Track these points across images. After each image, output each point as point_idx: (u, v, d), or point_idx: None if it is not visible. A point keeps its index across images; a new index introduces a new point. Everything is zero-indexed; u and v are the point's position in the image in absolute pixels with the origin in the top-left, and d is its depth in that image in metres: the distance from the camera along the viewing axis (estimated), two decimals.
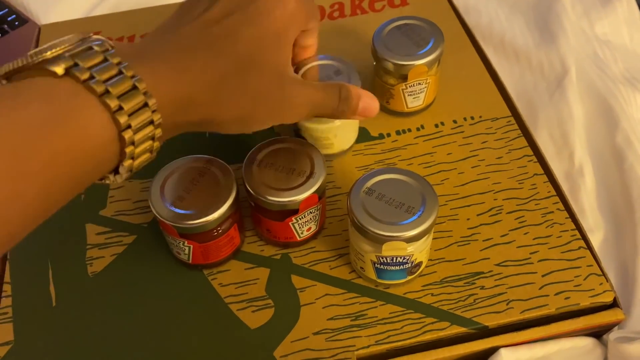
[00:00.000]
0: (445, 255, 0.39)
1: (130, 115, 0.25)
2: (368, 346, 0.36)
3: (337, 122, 0.41)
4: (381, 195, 0.35)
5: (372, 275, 0.37)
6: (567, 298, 0.37)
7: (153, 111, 0.26)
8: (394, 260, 0.35)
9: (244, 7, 0.31)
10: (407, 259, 0.36)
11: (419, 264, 0.37)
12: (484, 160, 0.44)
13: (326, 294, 0.38)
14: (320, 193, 0.37)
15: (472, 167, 0.44)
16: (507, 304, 0.37)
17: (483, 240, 0.40)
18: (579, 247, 0.39)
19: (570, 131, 0.50)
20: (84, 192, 0.44)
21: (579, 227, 0.40)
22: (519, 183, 0.43)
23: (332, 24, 0.56)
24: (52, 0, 0.65)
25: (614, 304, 0.37)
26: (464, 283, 0.38)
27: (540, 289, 0.38)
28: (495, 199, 0.42)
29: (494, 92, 0.49)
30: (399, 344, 0.36)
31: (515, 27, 0.60)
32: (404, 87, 0.44)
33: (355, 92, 0.36)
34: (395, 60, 0.43)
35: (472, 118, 0.47)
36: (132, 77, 0.25)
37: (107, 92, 0.24)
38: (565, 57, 0.55)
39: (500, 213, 0.41)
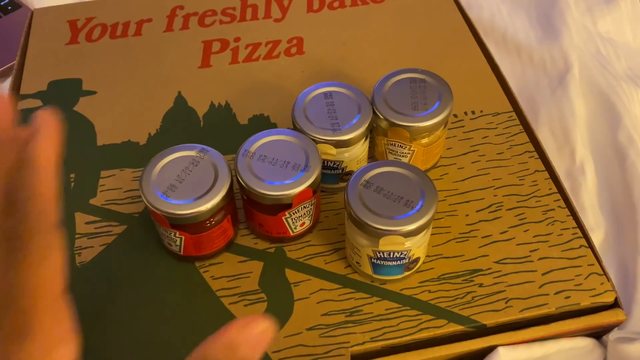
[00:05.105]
0: (443, 252, 0.38)
1: None
2: (363, 343, 0.35)
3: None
4: (379, 189, 0.34)
5: (369, 270, 0.36)
6: (567, 297, 0.36)
7: None
8: (391, 256, 0.35)
9: None
10: (405, 255, 0.35)
11: (417, 260, 0.36)
12: (484, 155, 0.43)
13: (321, 289, 0.37)
14: (314, 187, 0.36)
15: (472, 163, 0.43)
16: (505, 303, 0.36)
17: (482, 237, 0.39)
18: (580, 246, 0.39)
19: (572, 128, 0.49)
20: (74, 179, 0.43)
21: (580, 225, 0.40)
22: (520, 179, 0.42)
23: (332, 15, 0.55)
24: None
25: (614, 304, 0.37)
26: (462, 280, 0.37)
27: (540, 287, 0.37)
28: (495, 195, 0.41)
29: (495, 86, 0.48)
30: (395, 341, 0.35)
31: (517, 22, 0.59)
32: (385, 141, 0.41)
33: (222, 345, 0.23)
34: (382, 112, 0.39)
35: (473, 113, 0.46)
36: None
37: None
38: (568, 53, 0.54)
39: (500, 210, 0.40)
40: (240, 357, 0.23)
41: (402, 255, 0.35)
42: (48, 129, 0.23)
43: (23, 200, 0.22)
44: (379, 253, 0.35)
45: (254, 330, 0.23)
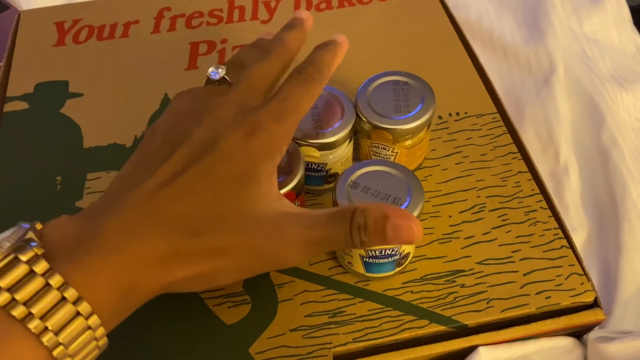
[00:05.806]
0: (426, 253, 0.39)
1: (57, 332, 0.24)
2: (345, 343, 0.35)
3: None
4: (367, 188, 0.35)
5: (361, 269, 0.37)
6: (547, 297, 0.37)
7: (88, 316, 0.25)
8: (383, 253, 0.35)
9: (200, 157, 0.28)
10: (396, 250, 0.35)
11: (407, 255, 0.37)
12: (468, 157, 0.44)
13: (305, 290, 0.37)
14: (298, 190, 0.37)
15: (456, 164, 0.43)
16: (487, 303, 0.36)
17: (465, 238, 0.40)
18: (561, 246, 0.39)
19: (556, 129, 0.50)
20: (60, 181, 0.43)
21: (562, 225, 0.40)
22: (503, 181, 0.42)
23: (319, 16, 0.55)
24: None
25: (594, 304, 0.37)
26: (445, 281, 0.38)
27: (521, 288, 0.37)
28: (478, 197, 0.42)
29: (480, 88, 0.48)
30: (377, 341, 0.35)
31: (504, 23, 0.59)
32: (369, 144, 0.41)
33: (379, 212, 0.28)
34: (365, 115, 0.39)
35: (458, 114, 0.47)
36: (59, 287, 0.24)
37: (29, 314, 0.23)
38: (553, 54, 0.55)
39: (483, 211, 0.41)
40: (380, 229, 0.27)
41: (393, 252, 0.35)
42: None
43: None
44: (371, 251, 0.35)
45: (410, 226, 0.27)
